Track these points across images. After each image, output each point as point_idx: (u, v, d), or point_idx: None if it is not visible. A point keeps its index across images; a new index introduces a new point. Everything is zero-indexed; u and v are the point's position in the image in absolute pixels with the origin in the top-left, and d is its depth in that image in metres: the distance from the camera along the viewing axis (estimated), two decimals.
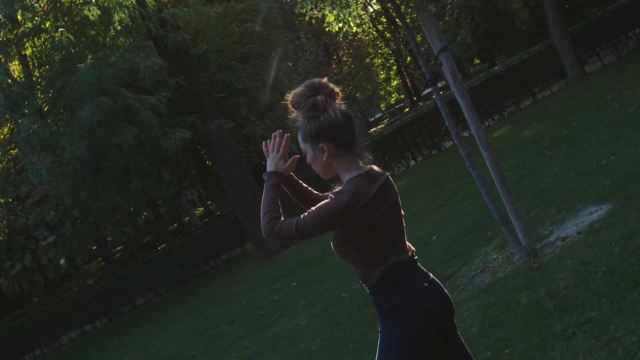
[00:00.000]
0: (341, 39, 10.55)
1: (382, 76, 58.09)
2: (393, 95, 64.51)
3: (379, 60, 56.25)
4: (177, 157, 25.44)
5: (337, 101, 3.51)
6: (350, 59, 52.55)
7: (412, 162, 23.75)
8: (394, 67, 56.40)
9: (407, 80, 58.14)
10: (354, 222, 3.37)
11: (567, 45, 21.53)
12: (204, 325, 14.15)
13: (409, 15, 36.48)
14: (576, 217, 8.20)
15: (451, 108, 12.98)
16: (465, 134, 22.78)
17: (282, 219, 3.43)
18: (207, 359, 11.18)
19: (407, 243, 3.61)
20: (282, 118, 31.22)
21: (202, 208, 54.72)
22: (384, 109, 63.39)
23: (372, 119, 57.44)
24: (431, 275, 3.63)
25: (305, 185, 3.79)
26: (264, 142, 3.71)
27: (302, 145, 3.51)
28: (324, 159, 3.46)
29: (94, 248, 32.32)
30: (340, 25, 8.82)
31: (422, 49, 39.84)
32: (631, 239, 6.51)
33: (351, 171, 3.48)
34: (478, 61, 58.42)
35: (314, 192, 3.79)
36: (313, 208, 3.40)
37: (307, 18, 9.56)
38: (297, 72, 37.49)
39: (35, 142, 17.26)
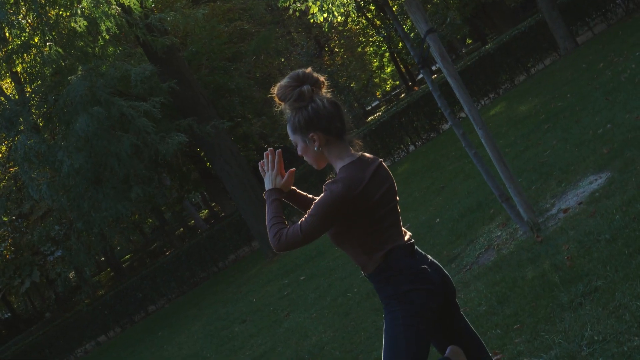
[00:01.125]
0: (326, 30, 10.51)
1: (376, 64, 57.98)
2: (388, 82, 64.42)
3: (371, 49, 56.16)
4: (177, 161, 25.42)
5: (324, 90, 3.52)
6: (342, 50, 52.49)
7: (412, 147, 23.73)
8: (387, 54, 56.31)
9: (401, 65, 58.05)
10: (352, 209, 3.38)
11: (557, 17, 21.49)
12: (216, 326, 14.17)
13: (396, 1, 36.45)
14: (576, 187, 8.19)
15: (444, 90, 13.01)
16: (462, 114, 22.79)
17: (287, 228, 3.44)
18: (220, 359, 11.19)
19: (403, 228, 3.62)
20: (279, 115, 31.20)
21: (206, 210, 54.78)
22: (380, 96, 63.30)
23: (369, 107, 57.33)
24: (430, 257, 3.65)
25: (308, 194, 3.80)
26: (259, 162, 3.72)
27: (291, 137, 3.52)
28: (315, 148, 3.48)
29: (102, 259, 32.39)
30: (325, 15, 8.83)
31: (412, 35, 39.85)
32: (631, 205, 6.50)
33: (343, 159, 3.49)
34: (470, 41, 58.40)
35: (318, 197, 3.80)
36: (312, 206, 3.41)
37: (290, 11, 9.53)
38: (290, 67, 37.45)
39: (32, 158, 17.26)
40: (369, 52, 56.07)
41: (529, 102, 16.66)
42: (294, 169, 3.69)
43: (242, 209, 19.96)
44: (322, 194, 3.38)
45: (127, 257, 51.26)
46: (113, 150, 16.88)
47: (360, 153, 3.56)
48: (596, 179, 8.02)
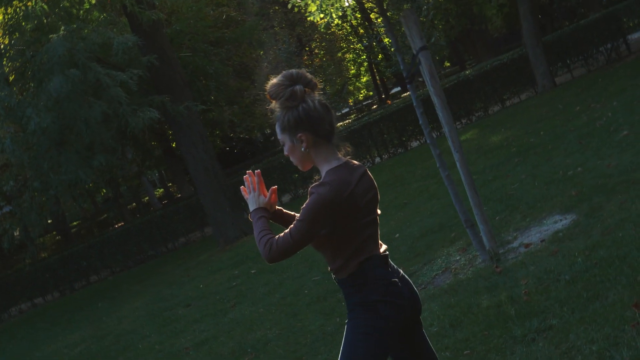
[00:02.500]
0: (323, 30, 10.52)
1: (353, 71, 58.20)
2: (362, 92, 64.65)
3: (351, 56, 56.36)
4: (143, 136, 25.25)
5: (316, 92, 3.51)
6: (322, 52, 52.55)
7: (378, 159, 23.82)
8: (365, 64, 56.56)
9: (377, 77, 58.31)
10: (339, 213, 3.38)
11: (540, 54, 21.73)
12: (159, 306, 14.08)
13: (389, 12, 36.56)
14: (540, 224, 8.27)
15: (424, 107, 13.05)
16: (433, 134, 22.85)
17: (276, 237, 3.42)
18: (161, 340, 11.11)
19: (380, 241, 3.65)
20: (250, 105, 31.19)
21: (162, 189, 54.43)
22: (351, 104, 63.46)
23: (339, 113, 57.41)
24: (401, 271, 3.66)
25: (294, 213, 3.78)
26: (241, 187, 3.72)
27: (280, 135, 3.51)
28: (302, 149, 3.46)
29: (49, 221, 31.96)
30: (322, 16, 8.83)
31: (392, 50, 39.82)
32: (595, 251, 6.58)
33: (330, 162, 3.48)
34: (449, 64, 58.80)
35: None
36: (301, 210, 3.40)
37: (289, 6, 9.52)
38: (268, 60, 37.37)
39: (0, 110, 17.03)
40: (347, 59, 56.22)
41: (501, 133, 16.80)
42: (275, 187, 3.68)
43: (202, 194, 19.86)
44: (310, 198, 3.36)
45: (75, 223, 50.73)
46: (82, 116, 16.69)
47: (346, 158, 3.56)
48: (561, 220, 8.11)
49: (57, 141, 17.52)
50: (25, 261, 28.31)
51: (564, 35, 23.14)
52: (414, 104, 7.95)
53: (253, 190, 3.61)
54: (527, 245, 7.71)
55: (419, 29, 7.41)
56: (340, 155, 3.54)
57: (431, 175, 15.37)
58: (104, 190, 41.43)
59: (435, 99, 7.51)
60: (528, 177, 10.87)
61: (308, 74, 3.49)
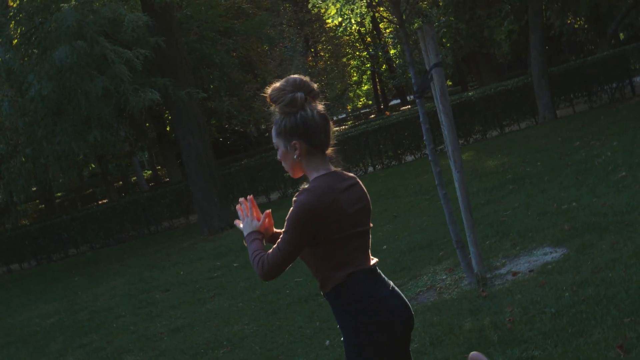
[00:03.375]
0: (340, 33, 10.52)
1: (355, 78, 58.21)
2: (361, 100, 64.67)
3: (355, 62, 56.36)
4: (140, 116, 25.16)
5: (317, 101, 3.50)
6: (327, 55, 52.56)
7: (370, 169, 23.83)
8: (368, 72, 56.58)
9: (378, 87, 58.35)
10: (324, 222, 3.33)
11: (545, 85, 21.78)
12: (137, 288, 14.02)
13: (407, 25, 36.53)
14: (530, 254, 8.27)
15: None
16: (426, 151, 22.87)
17: (267, 253, 3.40)
18: (135, 321, 11.07)
19: (371, 255, 3.61)
20: (249, 98, 31.15)
21: (150, 171, 54.33)
22: (349, 110, 63.49)
23: (336, 118, 57.45)
24: (392, 283, 3.60)
25: None
26: (235, 222, 3.74)
27: (274, 139, 3.51)
28: (295, 156, 3.45)
29: (33, 189, 31.86)
30: (340, 20, 8.83)
31: (397, 62, 39.81)
32: (583, 287, 6.58)
33: (319, 171, 3.47)
34: (450, 83, 58.86)
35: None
36: (285, 222, 3.37)
37: (309, 6, 9.48)
38: (272, 56, 37.35)
39: (2, 73, 16.94)
40: (351, 65, 56.24)
41: (498, 158, 16.82)
42: (269, 210, 3.67)
43: (192, 181, 19.81)
44: (293, 206, 3.34)
45: (58, 194, 50.58)
46: (83, 88, 16.62)
47: (338, 169, 3.55)
48: (551, 252, 8.11)
49: (55, 111, 17.44)
50: (6, 226, 28.21)
51: (570, 69, 23.21)
52: (421, 119, 7.94)
53: (246, 216, 3.61)
54: (514, 274, 7.71)
55: (436, 45, 7.41)
56: (331, 166, 3.53)
57: (423, 191, 15.37)
58: (93, 165, 41.34)
59: (443, 117, 7.49)
60: (521, 206, 10.87)
61: (312, 83, 3.50)
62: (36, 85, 16.44)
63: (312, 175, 3.46)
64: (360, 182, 3.60)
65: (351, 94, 58.07)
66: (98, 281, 16.64)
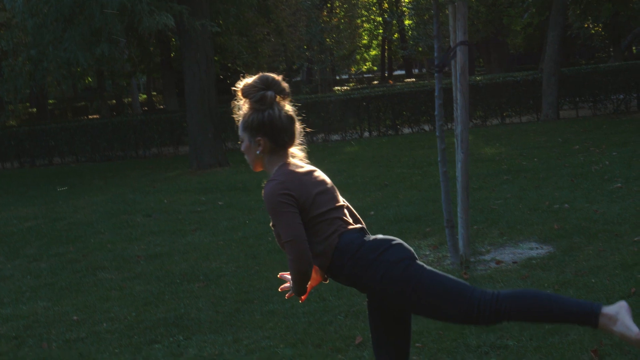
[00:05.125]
0: None
1: (364, 41, 57.90)
2: (367, 64, 64.40)
3: (368, 26, 56.04)
4: (148, 39, 24.94)
5: (287, 101, 3.68)
6: (342, 13, 52.14)
7: (366, 134, 23.82)
8: (379, 38, 56.31)
9: (386, 55, 58.15)
10: (297, 199, 3.49)
11: (554, 84, 21.76)
12: (119, 208, 14.01)
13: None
14: (516, 246, 8.32)
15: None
16: (425, 127, 23.00)
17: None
18: (114, 240, 11.08)
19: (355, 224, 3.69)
20: (258, 42, 30.97)
21: (145, 95, 54.00)
22: (353, 72, 63.23)
23: (338, 77, 57.21)
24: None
25: None
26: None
27: (240, 132, 3.68)
28: (257, 152, 3.63)
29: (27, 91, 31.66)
30: None
31: (410, 33, 39.56)
32: (565, 287, 6.64)
33: (279, 166, 3.65)
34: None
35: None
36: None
37: None
38: (288, 4, 37.04)
39: None
40: (364, 27, 55.91)
41: (495, 147, 16.84)
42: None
43: (190, 112, 19.72)
44: (264, 201, 3.50)
45: (50, 101, 50.26)
46: (100, 0, 16.42)
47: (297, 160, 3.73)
48: (537, 248, 8.16)
49: (67, 17, 17.23)
50: None
51: (581, 73, 23.21)
52: (436, 94, 7.93)
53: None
54: (498, 262, 7.76)
55: (466, 23, 7.38)
56: (291, 160, 3.69)
57: (417, 165, 15.39)
58: (89, 79, 41.04)
59: (458, 96, 7.48)
60: (513, 198, 10.92)
61: (284, 82, 3.66)
62: None
63: (272, 171, 3.63)
64: (320, 171, 3.76)
65: (358, 57, 57.81)
66: (79, 194, 16.62)
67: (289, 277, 3.80)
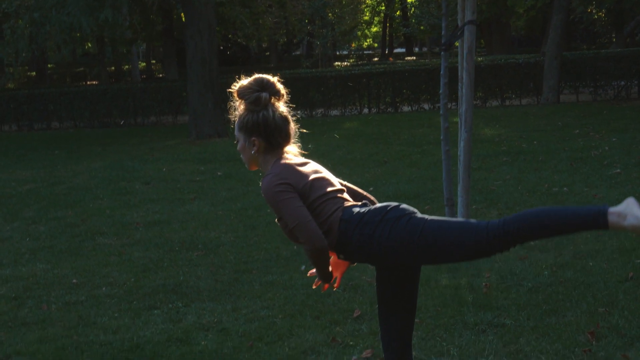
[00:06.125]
0: None
1: (366, 18, 57.71)
2: (368, 40, 64.22)
3: (370, 1, 55.80)
4: (151, 6, 24.86)
5: (281, 102, 3.76)
6: None
7: (366, 110, 23.80)
8: (382, 14, 56.12)
9: (387, 32, 58.00)
10: (295, 185, 3.55)
11: (555, 68, 21.73)
12: (118, 175, 14.02)
13: None
14: None
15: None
16: (425, 106, 23.02)
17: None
18: (113, 206, 11.12)
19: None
20: (260, 14, 30.88)
21: (144, 63, 53.86)
22: (353, 48, 63.04)
23: (339, 53, 57.06)
24: None
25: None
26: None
27: (236, 132, 3.77)
28: (252, 152, 3.71)
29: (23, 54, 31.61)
30: None
31: (412, 11, 39.39)
32: (562, 270, 6.69)
33: (273, 163, 3.71)
34: (457, 44, 58.55)
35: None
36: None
37: None
38: None
39: None
40: (366, 3, 55.67)
41: (495, 129, 16.85)
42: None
43: (191, 82, 19.66)
44: (265, 196, 3.55)
45: (49, 65, 50.11)
46: None
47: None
48: None
49: None
50: None
51: (583, 58, 23.14)
52: (441, 72, 7.95)
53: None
54: None
55: (475, 2, 7.37)
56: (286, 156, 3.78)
57: (416, 144, 15.41)
58: (89, 45, 40.92)
59: (464, 75, 7.50)
60: (513, 179, 10.96)
61: (278, 83, 3.74)
62: None
63: (267, 168, 3.69)
64: (314, 162, 3.85)
65: (359, 33, 57.64)
66: (78, 159, 16.63)
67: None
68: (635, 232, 3.17)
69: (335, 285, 3.93)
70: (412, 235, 3.38)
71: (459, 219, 3.49)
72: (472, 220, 3.44)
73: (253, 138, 3.67)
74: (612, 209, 3.16)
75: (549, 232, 3.31)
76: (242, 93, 3.69)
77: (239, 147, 3.76)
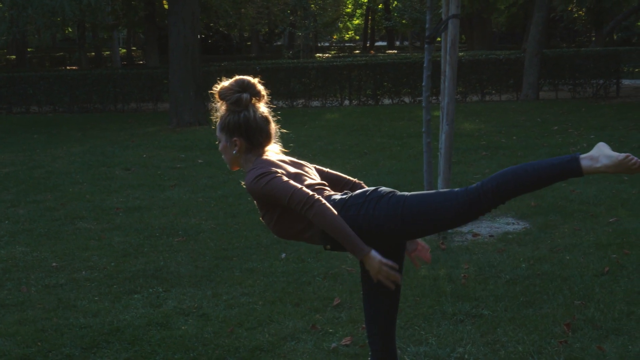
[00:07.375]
0: None
1: (348, 10, 57.73)
2: (349, 32, 64.25)
3: None
4: None
5: (262, 102, 3.80)
6: None
7: (347, 102, 23.86)
8: (364, 7, 56.15)
9: (369, 25, 58.05)
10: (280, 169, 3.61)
11: (536, 64, 21.90)
12: (98, 160, 14.00)
13: None
14: (493, 221, 8.45)
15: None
16: (406, 99, 23.10)
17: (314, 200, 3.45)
18: (92, 191, 11.10)
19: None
20: (243, 3, 30.82)
21: (124, 50, 53.59)
22: (334, 40, 63.11)
23: (320, 44, 57.09)
24: None
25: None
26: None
27: (218, 133, 3.80)
28: (234, 152, 3.74)
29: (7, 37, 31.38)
30: None
31: (395, 4, 39.39)
32: (539, 263, 6.77)
33: (255, 160, 3.75)
34: (440, 39, 58.69)
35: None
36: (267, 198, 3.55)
37: None
38: None
39: None
40: None
41: (475, 123, 16.95)
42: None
43: (172, 69, 19.63)
44: (251, 190, 3.56)
45: (29, 49, 49.77)
46: None
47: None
48: (514, 223, 8.31)
49: None
50: None
51: (563, 55, 23.35)
52: (424, 65, 8.01)
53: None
54: (475, 235, 7.89)
55: None
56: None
57: (396, 136, 15.49)
58: (69, 30, 40.67)
59: (447, 68, 7.56)
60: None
61: (259, 85, 3.77)
62: None
63: (248, 168, 3.71)
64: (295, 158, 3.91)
65: (341, 25, 57.68)
66: (57, 144, 16.56)
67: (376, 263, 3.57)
68: (609, 172, 3.25)
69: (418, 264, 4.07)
70: (396, 208, 3.43)
71: (439, 190, 3.55)
72: (451, 189, 3.51)
73: (234, 138, 3.70)
74: (583, 155, 3.27)
75: (527, 186, 3.37)
76: (223, 94, 3.72)
77: (220, 147, 3.80)
